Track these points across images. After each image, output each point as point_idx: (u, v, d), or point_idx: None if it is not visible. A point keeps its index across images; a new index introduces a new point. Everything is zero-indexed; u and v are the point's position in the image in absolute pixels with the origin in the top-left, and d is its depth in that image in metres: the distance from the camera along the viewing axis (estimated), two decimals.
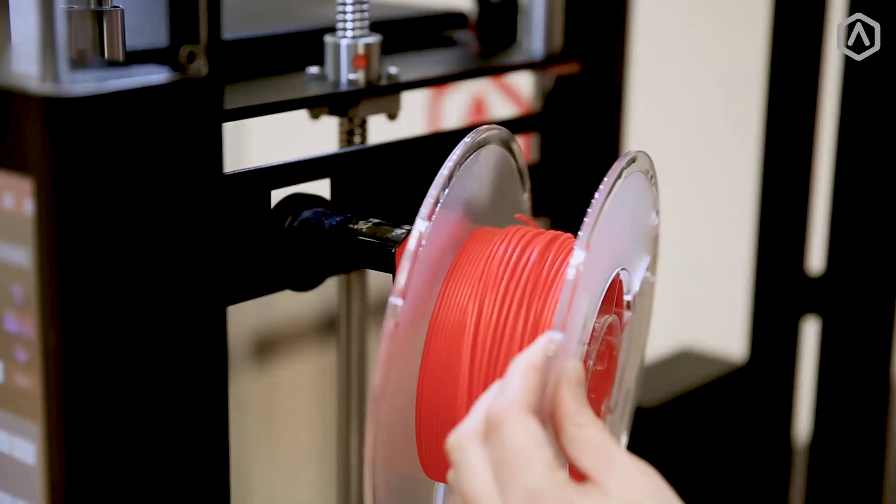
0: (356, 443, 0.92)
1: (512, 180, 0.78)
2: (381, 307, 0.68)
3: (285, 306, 1.89)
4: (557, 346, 0.62)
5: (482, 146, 0.74)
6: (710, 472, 1.16)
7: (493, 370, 0.68)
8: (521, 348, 0.67)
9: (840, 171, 1.09)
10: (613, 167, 0.69)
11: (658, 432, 1.09)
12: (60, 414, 0.63)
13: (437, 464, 0.71)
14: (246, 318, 1.87)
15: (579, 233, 0.66)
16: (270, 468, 1.89)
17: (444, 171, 0.70)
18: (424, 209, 0.69)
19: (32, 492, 0.65)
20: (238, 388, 1.83)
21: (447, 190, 0.70)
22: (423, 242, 0.68)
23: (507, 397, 0.60)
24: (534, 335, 0.68)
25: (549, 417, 0.62)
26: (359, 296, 0.89)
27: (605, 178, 0.68)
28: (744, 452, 1.17)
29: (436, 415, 0.70)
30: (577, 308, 0.65)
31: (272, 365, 1.93)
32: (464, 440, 0.61)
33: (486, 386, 0.67)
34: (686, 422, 1.13)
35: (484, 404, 0.62)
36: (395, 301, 0.67)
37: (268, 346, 1.92)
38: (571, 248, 0.70)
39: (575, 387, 0.62)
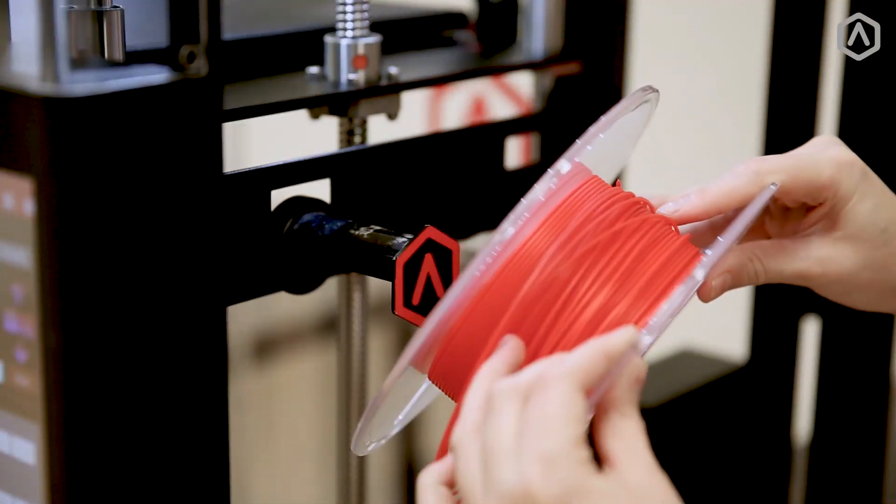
0: None
1: (631, 140, 0.78)
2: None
3: (285, 306, 1.89)
4: (641, 348, 0.62)
5: (639, 105, 0.73)
6: (710, 472, 1.16)
7: (545, 331, 0.66)
8: (586, 325, 0.65)
9: None
10: (756, 204, 0.70)
11: (658, 432, 1.09)
12: (60, 414, 0.63)
13: (446, 375, 0.69)
14: (246, 318, 1.87)
15: (708, 254, 0.66)
16: (270, 468, 1.89)
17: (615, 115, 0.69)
18: (570, 156, 0.67)
19: (32, 492, 0.65)
20: (238, 388, 1.83)
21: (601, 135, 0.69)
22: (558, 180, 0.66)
23: (564, 367, 0.60)
24: (609, 325, 0.66)
25: (596, 407, 0.62)
26: (359, 296, 0.89)
27: (745, 216, 0.68)
28: (744, 452, 1.17)
29: (470, 339, 0.67)
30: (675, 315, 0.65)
31: (272, 365, 1.93)
32: (508, 391, 0.61)
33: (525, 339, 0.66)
34: (686, 422, 1.13)
35: (541, 366, 0.61)
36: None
37: (268, 346, 1.92)
38: (679, 249, 0.69)
39: (634, 383, 0.62)
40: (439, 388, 0.71)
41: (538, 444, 0.58)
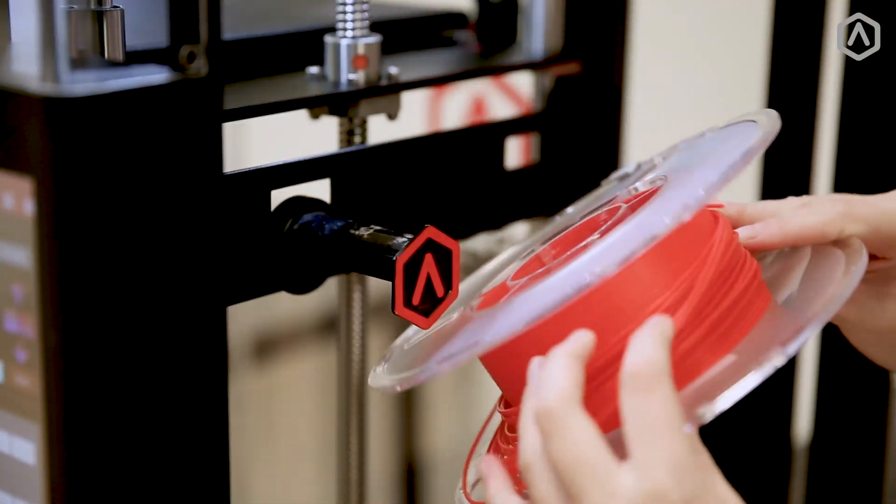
0: (356, 443, 0.92)
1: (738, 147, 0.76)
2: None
3: (285, 306, 1.89)
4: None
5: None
6: None
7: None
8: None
9: (840, 172, 1.09)
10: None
11: None
12: (60, 414, 0.63)
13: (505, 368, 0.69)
14: (246, 318, 1.87)
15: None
16: (270, 468, 1.89)
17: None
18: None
19: (32, 492, 0.65)
20: (238, 388, 1.83)
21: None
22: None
23: (656, 369, 0.60)
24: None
25: None
26: (359, 296, 0.89)
27: (837, 298, 0.67)
28: (744, 452, 1.17)
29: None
30: None
31: (272, 365, 1.93)
32: (566, 402, 0.60)
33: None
34: None
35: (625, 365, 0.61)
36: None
37: (268, 346, 1.92)
38: (770, 324, 0.68)
39: None
40: (491, 373, 0.71)
41: (658, 453, 0.59)
